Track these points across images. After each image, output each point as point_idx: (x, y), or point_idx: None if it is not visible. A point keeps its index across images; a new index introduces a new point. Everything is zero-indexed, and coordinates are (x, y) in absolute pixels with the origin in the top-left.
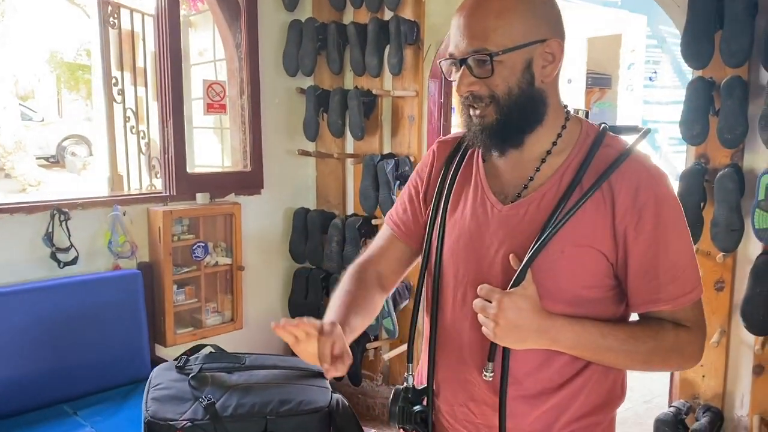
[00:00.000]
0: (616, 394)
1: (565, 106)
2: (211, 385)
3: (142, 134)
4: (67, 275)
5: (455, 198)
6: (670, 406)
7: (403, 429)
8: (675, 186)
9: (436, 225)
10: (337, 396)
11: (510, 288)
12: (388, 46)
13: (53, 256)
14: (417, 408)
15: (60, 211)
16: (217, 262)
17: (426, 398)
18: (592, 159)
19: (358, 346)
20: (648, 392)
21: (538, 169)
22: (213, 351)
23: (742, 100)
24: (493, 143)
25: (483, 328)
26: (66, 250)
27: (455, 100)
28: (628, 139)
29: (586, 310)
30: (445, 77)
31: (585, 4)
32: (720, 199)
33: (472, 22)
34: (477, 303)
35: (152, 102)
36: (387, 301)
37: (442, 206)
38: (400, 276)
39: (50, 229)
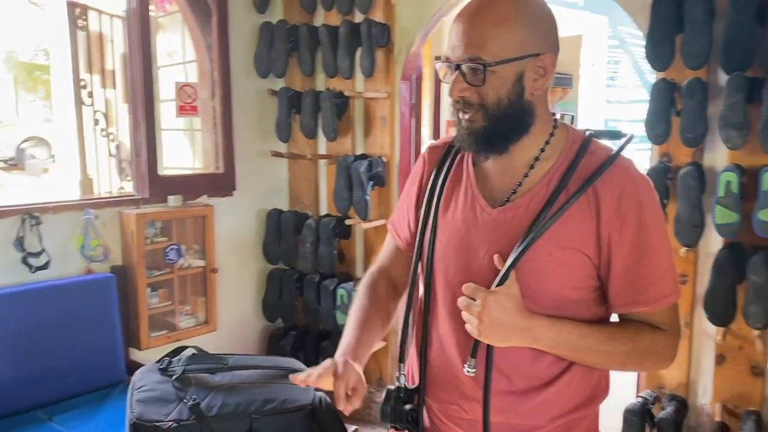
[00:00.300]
0: (600, 389)
1: (553, 114)
2: (195, 386)
3: (111, 137)
4: (39, 280)
5: (446, 200)
6: (637, 397)
7: (394, 428)
8: None
9: (428, 227)
10: (320, 394)
11: (494, 287)
12: (359, 49)
13: (24, 261)
14: (408, 407)
15: (30, 216)
16: (190, 264)
17: (417, 397)
18: (577, 166)
19: (333, 345)
20: (613, 383)
21: (526, 175)
22: (195, 353)
23: (702, 101)
24: (478, 147)
25: (467, 325)
26: (37, 254)
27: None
28: (613, 145)
29: (572, 310)
30: (436, 77)
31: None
32: (683, 196)
33: (470, 30)
34: (462, 301)
35: (121, 104)
36: None
37: (433, 208)
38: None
39: (21, 234)
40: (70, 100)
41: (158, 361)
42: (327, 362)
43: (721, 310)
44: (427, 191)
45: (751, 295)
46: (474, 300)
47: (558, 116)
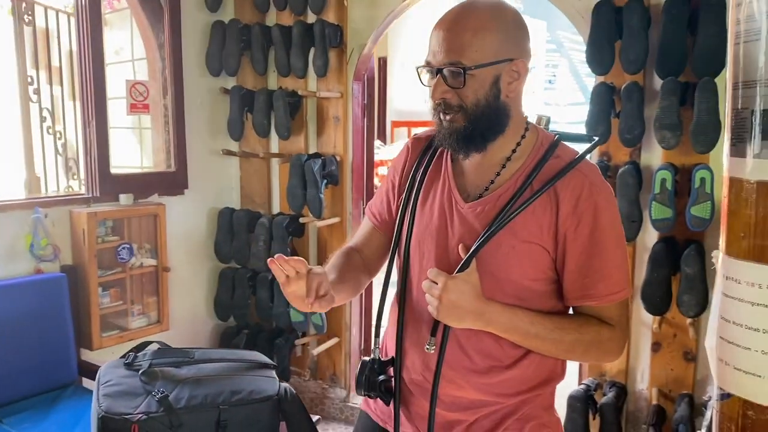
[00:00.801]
0: (556, 373)
1: (526, 117)
2: (162, 380)
3: (58, 135)
4: None
5: (425, 191)
6: (580, 384)
7: (368, 396)
8: None
9: (406, 215)
10: (285, 385)
11: (455, 273)
12: (312, 49)
13: None
14: (381, 378)
15: None
16: (142, 263)
17: (392, 369)
18: (542, 167)
19: (287, 342)
20: None
21: (498, 173)
22: (160, 347)
23: (640, 103)
24: (458, 146)
25: (429, 306)
26: None
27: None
28: (579, 149)
29: (531, 301)
30: (420, 81)
31: None
32: (621, 193)
33: (451, 37)
34: (425, 283)
35: (68, 101)
36: None
37: (413, 198)
38: (383, 261)
39: None
40: (13, 97)
41: (123, 356)
42: (300, 258)
43: (656, 300)
44: (408, 181)
45: (684, 286)
46: (436, 283)
47: (535, 117)
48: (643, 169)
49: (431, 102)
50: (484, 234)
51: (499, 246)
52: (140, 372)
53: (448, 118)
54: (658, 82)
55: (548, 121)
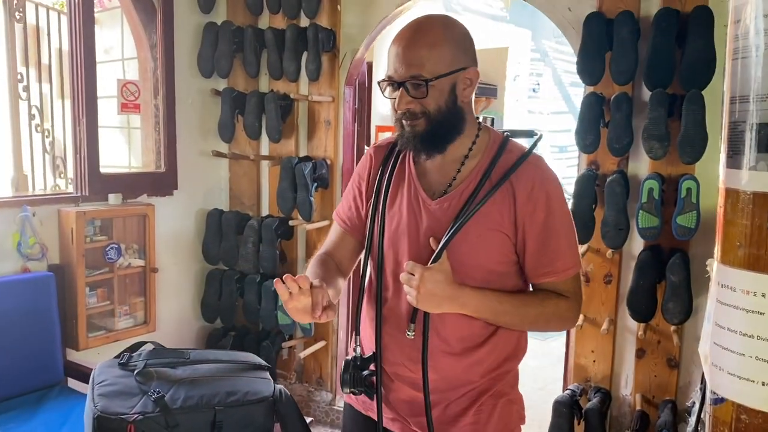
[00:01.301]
0: (520, 347)
1: (477, 118)
2: (158, 380)
3: (46, 133)
4: None
5: (392, 194)
6: (565, 390)
7: (352, 393)
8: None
9: (377, 217)
10: (279, 386)
11: (430, 264)
12: (305, 52)
13: None
14: (365, 373)
15: None
16: (130, 263)
17: (373, 364)
18: (497, 162)
19: (274, 345)
20: (541, 380)
21: (459, 170)
22: (155, 347)
23: (628, 114)
24: (422, 148)
25: (408, 296)
26: None
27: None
28: (526, 144)
29: (497, 282)
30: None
31: (475, 18)
32: (609, 202)
33: (409, 53)
34: (403, 276)
35: (56, 99)
36: None
37: (381, 200)
38: (353, 263)
39: None
40: (2, 94)
41: (117, 356)
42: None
43: (642, 307)
44: (375, 185)
45: (669, 293)
46: (413, 275)
47: (481, 119)
48: (631, 179)
49: (394, 112)
50: (453, 226)
51: (467, 235)
52: (135, 372)
53: (411, 123)
54: (646, 94)
55: (493, 121)
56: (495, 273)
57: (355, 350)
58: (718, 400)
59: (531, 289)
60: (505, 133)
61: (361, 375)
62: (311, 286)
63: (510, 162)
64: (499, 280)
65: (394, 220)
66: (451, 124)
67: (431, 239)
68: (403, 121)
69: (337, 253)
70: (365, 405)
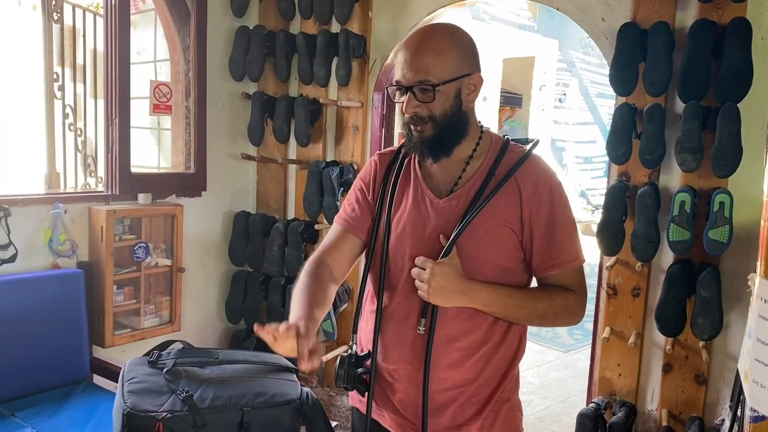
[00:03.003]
0: (521, 348)
1: (479, 122)
2: (186, 379)
3: (79, 132)
4: (4, 273)
5: (398, 198)
6: (589, 403)
7: (345, 389)
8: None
9: (382, 218)
10: (306, 389)
11: (440, 259)
12: (335, 58)
13: None
14: (360, 370)
15: (0, 208)
16: (157, 263)
17: (369, 362)
18: (500, 161)
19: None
20: (564, 392)
21: (464, 170)
22: (184, 346)
23: (661, 125)
24: (429, 153)
25: (419, 291)
26: (5, 247)
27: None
28: (525, 146)
29: (505, 278)
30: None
31: (503, 27)
32: (640, 214)
33: (417, 59)
34: (414, 271)
35: (89, 99)
36: None
37: (387, 202)
38: (349, 267)
39: None
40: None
41: (146, 354)
42: (287, 323)
43: (671, 322)
44: (381, 189)
45: (699, 308)
46: (423, 269)
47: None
48: (662, 191)
49: (402, 116)
50: (463, 221)
51: (476, 231)
52: (165, 370)
53: (418, 128)
54: (679, 105)
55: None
56: (503, 268)
57: (350, 347)
58: (759, 418)
59: (536, 284)
60: (506, 137)
61: (356, 371)
62: (297, 331)
63: (513, 160)
64: (507, 276)
65: (402, 220)
66: (457, 128)
67: (441, 235)
68: (411, 126)
69: (334, 254)
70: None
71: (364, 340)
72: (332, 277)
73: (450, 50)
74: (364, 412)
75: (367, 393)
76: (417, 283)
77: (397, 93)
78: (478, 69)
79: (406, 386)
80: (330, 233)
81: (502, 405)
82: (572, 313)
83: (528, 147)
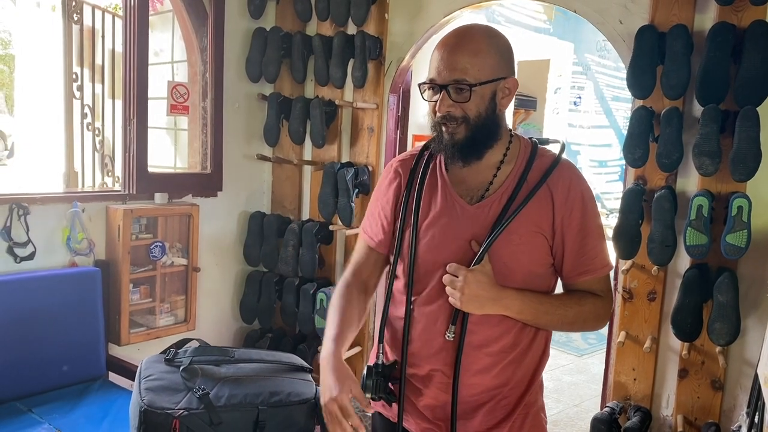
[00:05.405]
0: (547, 352)
1: (508, 126)
2: (202, 377)
3: (97, 131)
4: (23, 270)
5: (425, 204)
6: (604, 407)
7: (373, 399)
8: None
9: (408, 226)
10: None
11: (473, 266)
12: (351, 59)
13: (10, 251)
14: (386, 380)
15: (19, 206)
16: (173, 262)
17: (397, 371)
18: (531, 166)
19: (310, 348)
20: (577, 397)
21: (495, 175)
22: (200, 345)
23: (679, 129)
24: (460, 156)
25: (450, 298)
26: (24, 244)
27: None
28: (553, 149)
29: (536, 284)
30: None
31: (518, 30)
32: (657, 218)
33: (454, 58)
34: (446, 278)
35: (107, 99)
36: None
37: (413, 210)
38: (379, 278)
39: (8, 223)
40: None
41: (163, 352)
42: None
43: (687, 327)
44: (405, 196)
45: (716, 313)
46: (456, 277)
47: (521, 132)
48: (679, 195)
49: (433, 116)
50: (496, 228)
51: (509, 237)
52: (181, 368)
53: (450, 130)
54: (697, 109)
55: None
56: (535, 275)
57: (377, 357)
58: None
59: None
60: (532, 140)
61: (384, 382)
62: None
63: (544, 166)
64: (538, 282)
65: (431, 227)
66: (490, 131)
67: (473, 242)
68: (443, 127)
69: (365, 269)
70: (393, 412)
71: (390, 347)
72: (364, 292)
73: (488, 52)
74: (387, 417)
75: (388, 402)
76: (449, 290)
77: (430, 91)
78: (513, 73)
79: (435, 392)
80: (358, 247)
81: (530, 408)
82: (599, 319)
83: (556, 150)
